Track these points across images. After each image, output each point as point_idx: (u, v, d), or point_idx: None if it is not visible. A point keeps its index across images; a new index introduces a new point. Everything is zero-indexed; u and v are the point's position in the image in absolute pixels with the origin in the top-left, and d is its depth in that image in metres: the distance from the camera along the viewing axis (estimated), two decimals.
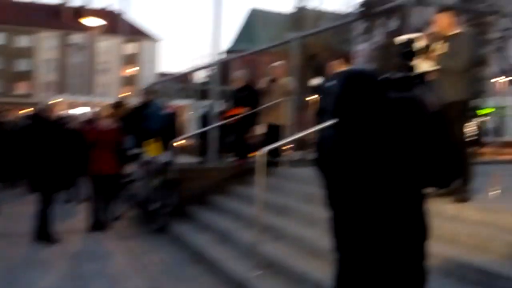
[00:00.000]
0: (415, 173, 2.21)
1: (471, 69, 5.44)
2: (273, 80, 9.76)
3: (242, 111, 9.76)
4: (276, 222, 6.49)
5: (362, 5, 13.01)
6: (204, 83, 28.43)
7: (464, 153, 5.16)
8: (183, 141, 11.30)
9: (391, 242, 2.24)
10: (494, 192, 5.48)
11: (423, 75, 2.66)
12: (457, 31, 5.43)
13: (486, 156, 18.79)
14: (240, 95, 10.04)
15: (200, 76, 36.25)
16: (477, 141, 23.65)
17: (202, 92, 22.44)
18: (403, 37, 4.37)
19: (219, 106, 11.19)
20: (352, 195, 2.30)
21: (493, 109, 28.66)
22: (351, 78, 2.30)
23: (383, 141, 2.21)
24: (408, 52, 2.94)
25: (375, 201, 2.25)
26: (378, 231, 2.25)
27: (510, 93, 28.79)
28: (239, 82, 10.38)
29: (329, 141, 2.42)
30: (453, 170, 2.32)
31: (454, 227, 4.69)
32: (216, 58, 10.87)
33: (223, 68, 12.00)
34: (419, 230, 2.28)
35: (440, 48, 5.32)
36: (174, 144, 9.41)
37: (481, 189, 5.38)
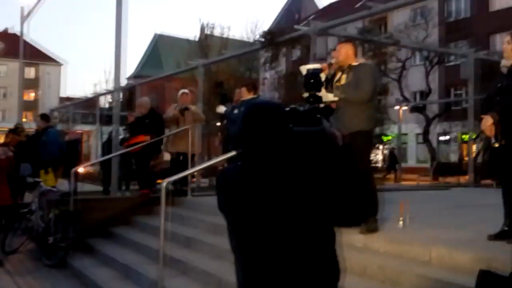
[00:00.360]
0: (325, 210, 2.13)
1: (373, 99, 5.54)
2: (182, 108, 9.56)
3: (147, 138, 9.45)
4: (182, 255, 6.27)
5: (266, 33, 13.20)
6: (109, 109, 27.78)
7: (370, 183, 5.20)
8: (85, 169, 10.85)
9: (301, 284, 2.14)
10: (402, 222, 5.54)
11: (328, 106, 2.63)
12: (359, 61, 5.53)
13: (390, 182, 19.57)
14: (145, 122, 9.71)
15: (105, 101, 35.54)
16: (382, 168, 24.69)
17: (107, 117, 21.88)
18: (307, 67, 4.37)
19: (123, 132, 10.85)
20: (258, 233, 2.18)
21: (395, 136, 29.98)
22: (255, 110, 2.22)
23: (289, 176, 2.12)
24: (313, 82, 2.90)
25: (282, 240, 2.14)
26: (286, 272, 2.14)
27: (410, 120, 30.30)
28: (143, 108, 9.98)
29: (233, 174, 2.30)
30: (365, 206, 2.26)
31: (364, 258, 4.66)
32: (119, 83, 10.56)
33: (129, 93, 11.72)
34: (330, 270, 2.19)
35: (342, 78, 5.38)
36: (75, 172, 8.97)
37: (389, 218, 5.42)
